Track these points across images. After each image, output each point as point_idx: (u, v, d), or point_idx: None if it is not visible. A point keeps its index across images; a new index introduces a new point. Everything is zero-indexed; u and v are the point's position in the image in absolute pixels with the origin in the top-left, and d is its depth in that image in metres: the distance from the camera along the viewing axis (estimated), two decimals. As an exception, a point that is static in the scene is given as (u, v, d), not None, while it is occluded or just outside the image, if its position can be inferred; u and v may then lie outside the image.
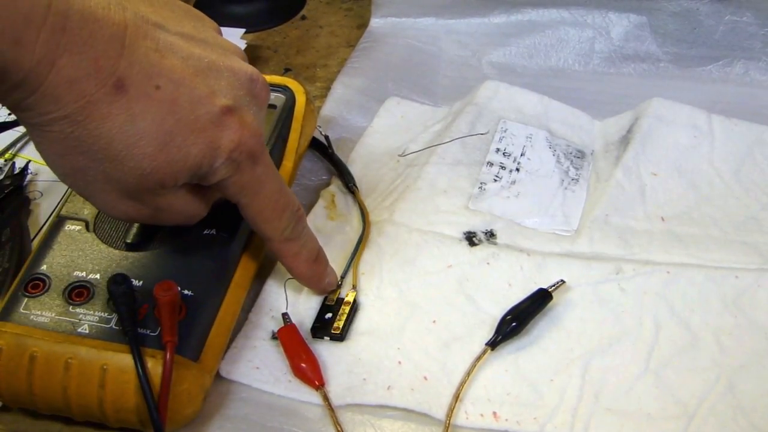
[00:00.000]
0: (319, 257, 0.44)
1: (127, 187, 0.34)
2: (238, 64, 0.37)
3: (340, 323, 0.43)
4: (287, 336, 0.42)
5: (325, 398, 0.40)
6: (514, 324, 0.43)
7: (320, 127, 0.55)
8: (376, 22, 0.69)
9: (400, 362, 0.42)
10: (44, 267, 0.41)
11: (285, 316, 0.44)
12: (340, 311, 0.44)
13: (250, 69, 0.38)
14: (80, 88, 0.30)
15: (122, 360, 0.37)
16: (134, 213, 0.36)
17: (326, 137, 0.54)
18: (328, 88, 0.63)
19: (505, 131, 0.55)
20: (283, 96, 0.51)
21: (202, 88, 0.34)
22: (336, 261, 0.47)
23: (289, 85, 0.51)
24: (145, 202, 0.36)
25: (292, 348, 0.42)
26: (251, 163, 0.37)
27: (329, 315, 0.44)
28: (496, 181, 0.52)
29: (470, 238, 0.49)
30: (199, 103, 0.34)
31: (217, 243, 0.42)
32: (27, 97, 0.30)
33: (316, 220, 0.50)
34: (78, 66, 0.30)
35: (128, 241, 0.42)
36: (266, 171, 0.38)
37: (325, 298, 0.45)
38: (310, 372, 0.41)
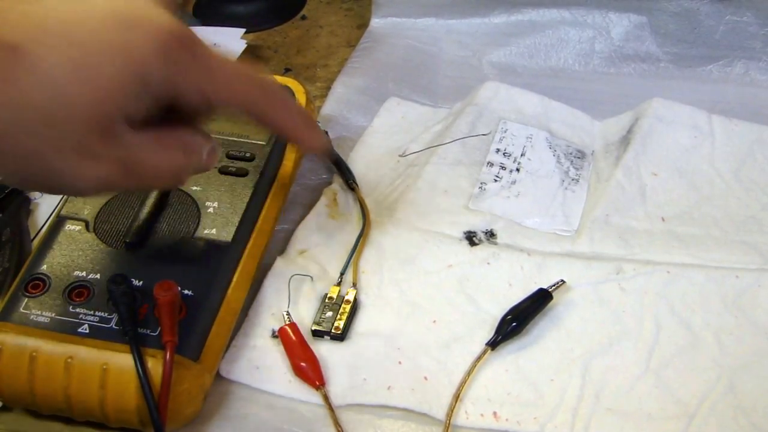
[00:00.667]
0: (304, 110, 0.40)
1: (77, 140, 0.31)
2: None
3: (340, 323, 0.43)
4: (288, 335, 0.42)
5: (326, 398, 0.40)
6: (514, 324, 0.43)
7: (319, 122, 0.55)
8: (376, 22, 0.69)
9: (400, 362, 0.42)
10: (44, 267, 0.41)
11: (286, 314, 0.44)
12: (341, 310, 0.44)
13: None
14: None
15: (122, 360, 0.37)
16: (104, 175, 0.33)
17: (325, 133, 0.54)
18: (329, 88, 0.63)
19: (505, 131, 0.55)
20: (283, 96, 0.51)
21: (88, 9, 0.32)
22: (337, 259, 0.47)
23: (290, 85, 0.51)
24: (107, 155, 0.32)
25: (292, 347, 0.42)
26: (188, 53, 0.34)
27: (330, 314, 0.44)
28: (496, 181, 0.52)
29: (470, 238, 0.49)
30: (95, 30, 0.31)
31: (218, 242, 0.42)
32: None
33: (318, 218, 0.50)
34: None
35: (128, 240, 0.42)
36: (206, 50, 0.35)
37: (326, 297, 0.45)
38: (310, 372, 0.41)
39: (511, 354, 0.43)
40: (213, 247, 0.42)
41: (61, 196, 0.46)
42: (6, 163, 0.32)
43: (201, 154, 0.36)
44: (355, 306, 0.45)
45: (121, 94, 0.32)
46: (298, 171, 0.53)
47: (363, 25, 0.70)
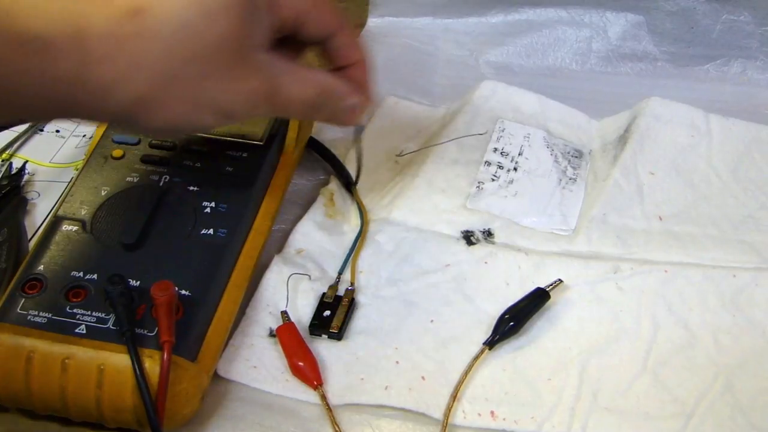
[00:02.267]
0: None
1: (223, 67, 0.34)
2: None
3: (338, 322, 0.43)
4: (286, 334, 0.42)
5: (323, 398, 0.40)
6: (511, 323, 0.43)
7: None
8: (373, 22, 0.69)
9: (397, 362, 0.42)
10: (41, 267, 0.41)
11: (284, 314, 0.44)
12: (339, 309, 0.44)
13: None
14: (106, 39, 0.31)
15: (119, 360, 0.37)
16: (252, 92, 0.35)
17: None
18: (326, 88, 0.63)
19: (502, 131, 0.55)
20: (280, 95, 0.51)
21: None
22: (335, 258, 0.47)
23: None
24: (251, 76, 0.35)
25: (291, 347, 0.42)
26: None
27: (327, 312, 0.44)
28: (493, 180, 0.52)
29: (468, 237, 0.49)
30: None
31: (215, 242, 0.42)
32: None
33: (315, 217, 0.50)
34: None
35: (125, 241, 0.42)
36: None
37: (323, 295, 0.45)
38: (308, 371, 0.41)
39: (509, 353, 0.43)
40: (210, 246, 0.42)
41: (59, 196, 0.46)
42: (174, 105, 0.34)
43: (340, 102, 0.40)
44: (352, 305, 0.45)
45: (239, 21, 0.34)
46: (295, 171, 0.53)
47: (360, 24, 0.70)
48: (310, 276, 0.46)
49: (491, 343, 0.42)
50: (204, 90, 0.34)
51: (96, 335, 0.38)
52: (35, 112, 0.35)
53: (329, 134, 0.56)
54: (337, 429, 0.39)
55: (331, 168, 0.54)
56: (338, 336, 0.43)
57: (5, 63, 0.30)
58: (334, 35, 0.40)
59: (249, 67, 0.35)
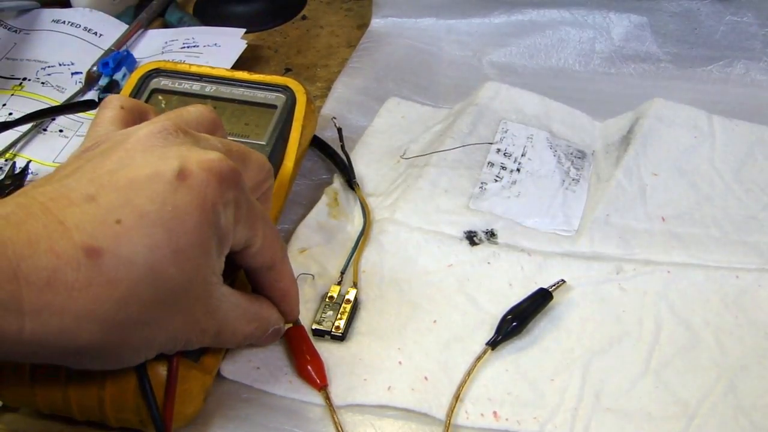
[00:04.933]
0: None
1: (191, 295, 0.32)
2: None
3: (341, 322, 0.43)
4: (295, 336, 0.42)
5: (327, 399, 0.40)
6: (514, 324, 0.43)
7: (335, 119, 0.55)
8: (376, 23, 0.69)
9: (400, 362, 0.42)
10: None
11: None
12: (341, 309, 0.44)
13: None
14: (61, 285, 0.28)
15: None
16: (205, 333, 0.34)
17: (339, 130, 0.54)
18: (329, 88, 0.63)
19: (505, 132, 0.55)
20: (283, 96, 0.51)
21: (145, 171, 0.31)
22: (337, 258, 0.47)
23: (290, 85, 0.51)
24: (212, 311, 0.34)
25: (299, 348, 0.42)
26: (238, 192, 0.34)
27: (330, 313, 0.44)
28: (496, 181, 0.52)
29: (471, 238, 0.49)
30: (151, 197, 0.31)
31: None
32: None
33: (319, 217, 0.50)
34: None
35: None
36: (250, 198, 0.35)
37: (326, 296, 0.45)
38: (315, 373, 0.41)
39: (512, 354, 0.43)
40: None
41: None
42: (122, 351, 0.32)
43: (268, 330, 0.39)
44: (355, 305, 0.45)
45: (207, 257, 0.32)
46: (299, 170, 0.53)
47: (363, 25, 0.70)
48: (313, 276, 0.46)
49: (494, 344, 0.42)
50: (156, 334, 0.32)
51: (99, 335, 0.38)
52: None
53: (331, 135, 0.56)
54: (339, 430, 0.39)
55: (334, 167, 0.54)
56: (341, 337, 0.43)
57: None
58: (273, 268, 0.38)
59: (208, 307, 0.33)
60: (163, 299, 0.31)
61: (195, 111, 0.37)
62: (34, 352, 0.29)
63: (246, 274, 0.39)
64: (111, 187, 0.31)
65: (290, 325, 0.42)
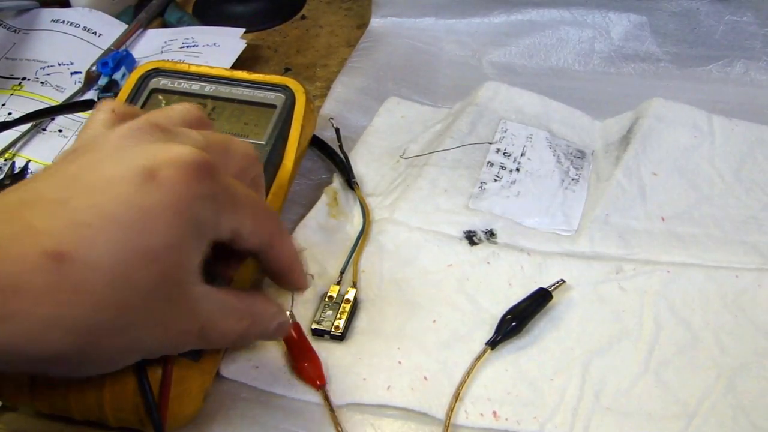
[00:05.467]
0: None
1: (162, 296, 0.31)
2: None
3: (340, 322, 0.43)
4: (291, 335, 0.42)
5: (326, 398, 0.40)
6: (514, 323, 0.43)
7: (332, 119, 0.55)
8: (376, 22, 0.69)
9: (400, 362, 0.42)
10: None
11: (289, 314, 0.43)
12: (341, 309, 0.44)
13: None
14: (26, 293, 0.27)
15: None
16: (187, 334, 0.33)
17: (337, 130, 0.54)
18: (328, 88, 0.63)
19: (505, 131, 0.55)
20: (283, 96, 0.51)
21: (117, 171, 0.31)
22: (337, 258, 0.47)
23: (289, 85, 0.51)
24: (189, 311, 0.33)
25: (297, 348, 0.42)
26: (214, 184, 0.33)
27: (329, 313, 0.44)
28: (496, 180, 0.52)
29: (470, 238, 0.49)
30: (124, 200, 0.30)
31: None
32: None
33: (318, 217, 0.50)
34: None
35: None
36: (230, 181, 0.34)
37: (326, 295, 0.45)
38: (313, 372, 0.41)
39: (511, 353, 0.43)
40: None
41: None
42: (96, 358, 0.31)
43: (269, 325, 0.37)
44: (354, 305, 0.45)
45: (180, 255, 0.31)
46: (298, 170, 0.53)
47: (363, 24, 0.70)
48: (312, 276, 0.46)
49: (494, 343, 0.42)
50: (134, 339, 0.31)
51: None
52: None
53: (331, 135, 0.56)
54: (339, 429, 0.39)
55: (334, 167, 0.54)
56: (341, 336, 0.43)
57: None
58: (272, 247, 0.36)
59: (183, 308, 0.32)
60: (133, 303, 0.30)
61: (181, 108, 0.37)
62: (5, 361, 0.29)
63: (253, 258, 0.38)
64: (81, 189, 0.30)
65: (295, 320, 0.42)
